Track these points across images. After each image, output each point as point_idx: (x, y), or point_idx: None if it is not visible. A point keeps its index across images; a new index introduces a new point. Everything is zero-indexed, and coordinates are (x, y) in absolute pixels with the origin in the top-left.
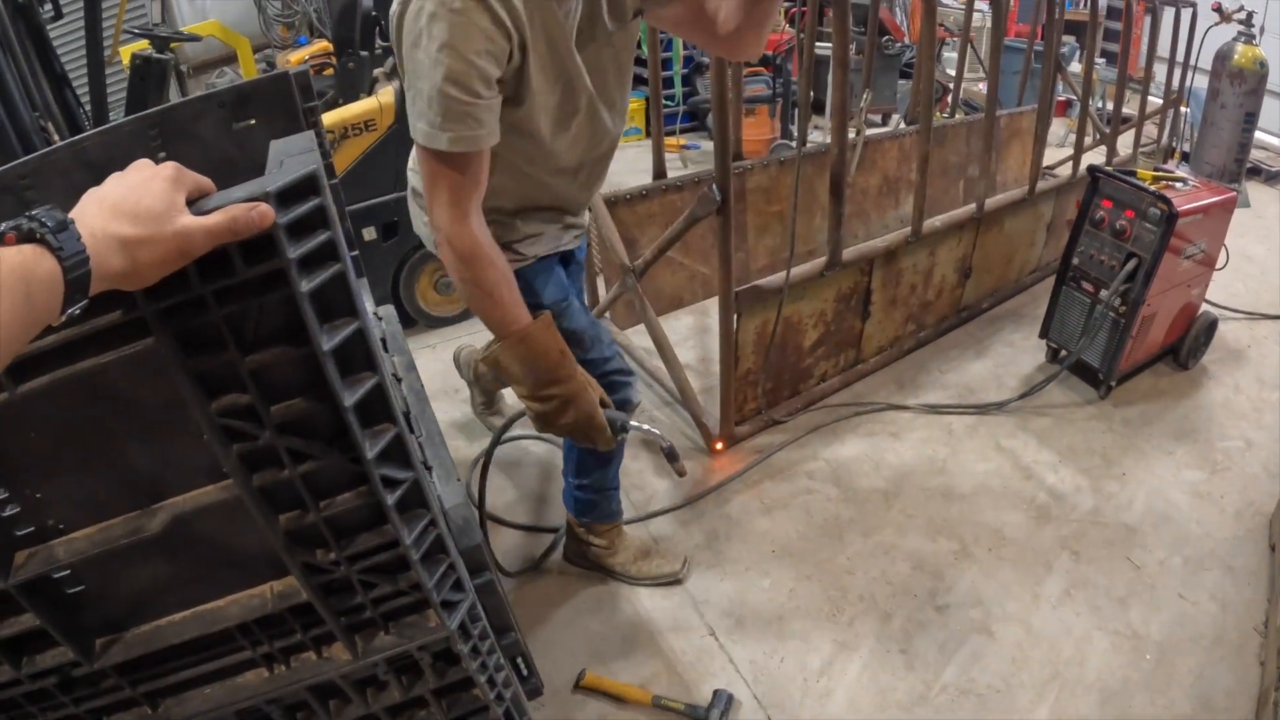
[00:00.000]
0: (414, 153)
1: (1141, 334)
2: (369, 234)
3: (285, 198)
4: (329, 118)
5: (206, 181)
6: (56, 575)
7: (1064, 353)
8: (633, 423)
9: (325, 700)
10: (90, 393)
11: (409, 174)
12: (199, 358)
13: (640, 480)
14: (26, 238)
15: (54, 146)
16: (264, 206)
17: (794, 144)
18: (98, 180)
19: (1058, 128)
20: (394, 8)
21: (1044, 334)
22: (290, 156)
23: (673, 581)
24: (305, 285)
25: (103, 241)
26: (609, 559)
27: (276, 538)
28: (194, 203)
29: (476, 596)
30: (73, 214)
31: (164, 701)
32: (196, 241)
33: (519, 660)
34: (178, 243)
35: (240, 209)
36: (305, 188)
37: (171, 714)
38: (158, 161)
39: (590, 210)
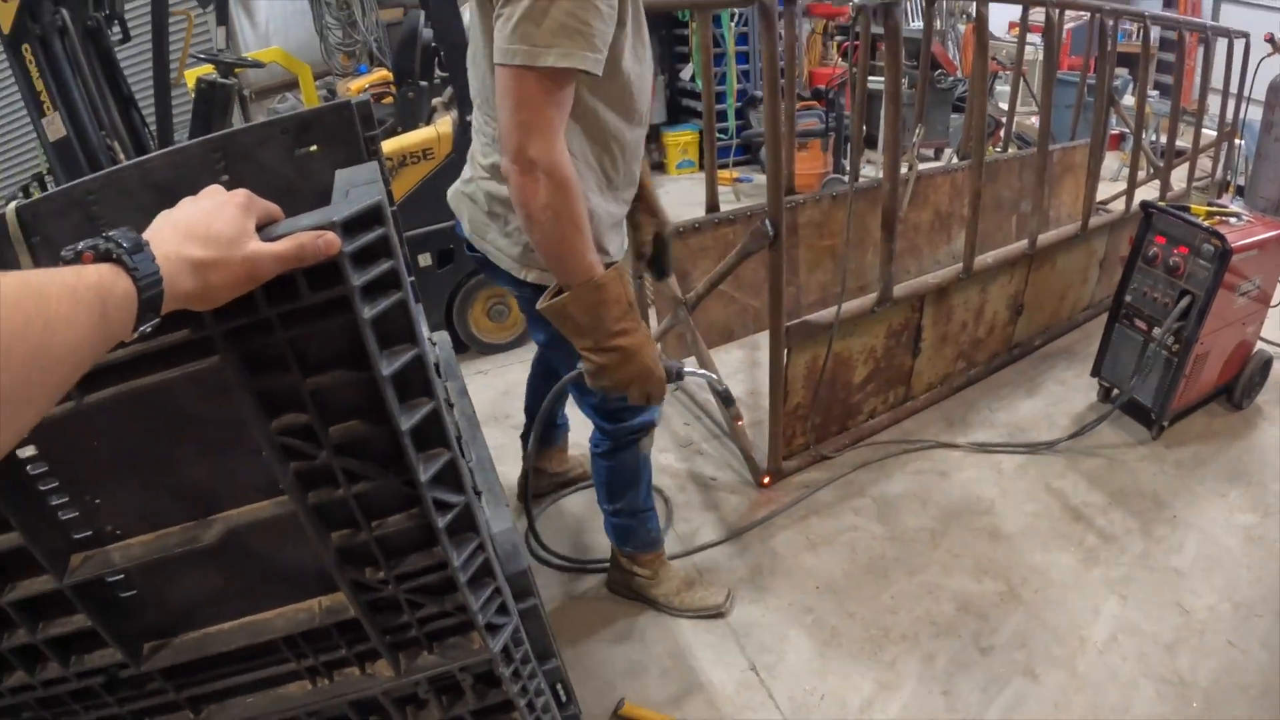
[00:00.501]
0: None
1: (1195, 373)
2: (424, 260)
3: (351, 227)
4: (388, 145)
5: (275, 209)
6: (110, 579)
7: (1116, 392)
8: (688, 369)
9: (365, 715)
10: (154, 407)
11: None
12: (262, 377)
13: (686, 514)
14: (103, 257)
15: (121, 165)
16: (330, 235)
17: (846, 178)
18: (162, 198)
19: (1111, 161)
20: None
21: (1096, 372)
22: (355, 186)
23: (716, 614)
24: (368, 312)
25: (175, 263)
26: (653, 589)
27: (328, 555)
28: (263, 229)
29: (520, 621)
30: (146, 235)
31: (207, 707)
32: (265, 267)
33: (558, 686)
34: (247, 267)
35: (308, 237)
36: (370, 218)
37: (213, 719)
38: (220, 184)
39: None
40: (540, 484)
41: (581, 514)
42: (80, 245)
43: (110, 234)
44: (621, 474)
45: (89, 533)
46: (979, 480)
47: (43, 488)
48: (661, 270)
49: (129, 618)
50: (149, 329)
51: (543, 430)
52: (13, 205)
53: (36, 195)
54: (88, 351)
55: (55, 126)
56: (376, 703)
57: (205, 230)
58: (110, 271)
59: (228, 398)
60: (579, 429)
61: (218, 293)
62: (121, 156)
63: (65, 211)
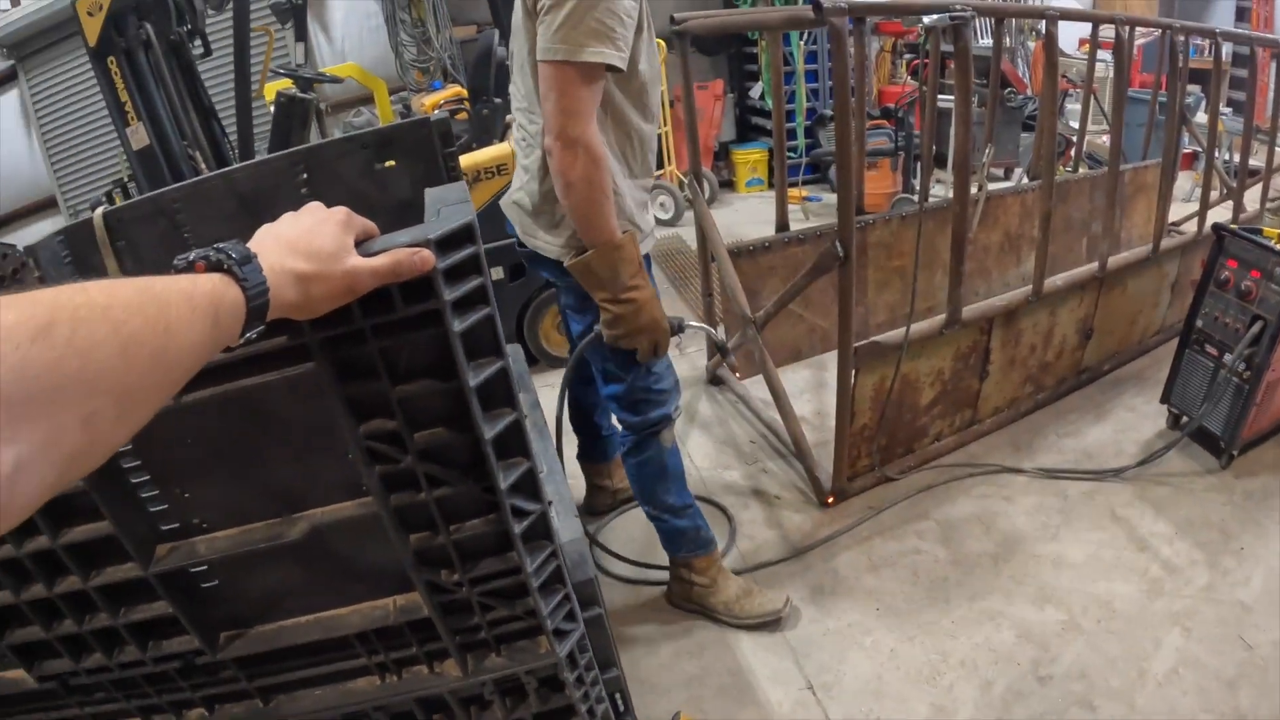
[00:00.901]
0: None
1: (1266, 400)
2: (496, 274)
3: (444, 245)
4: (463, 161)
5: (372, 225)
6: (194, 570)
7: (1185, 419)
8: (689, 322)
9: (430, 713)
10: (248, 408)
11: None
12: (353, 384)
13: (750, 530)
14: (215, 267)
15: (207, 175)
16: (425, 252)
17: (915, 198)
18: (245, 208)
19: (1184, 181)
20: None
21: (1165, 399)
22: (447, 205)
23: (775, 620)
24: (458, 325)
25: (280, 275)
26: (711, 598)
27: (406, 555)
28: (360, 245)
29: (585, 628)
30: (251, 246)
31: (276, 697)
32: (363, 281)
33: (617, 696)
34: (346, 281)
35: (404, 253)
36: (462, 236)
37: (282, 709)
38: (300, 196)
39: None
40: (603, 501)
41: (645, 529)
42: (192, 255)
43: (221, 246)
44: (650, 469)
45: (176, 525)
46: (1044, 506)
47: (134, 480)
48: None
49: (208, 607)
50: (254, 335)
51: (587, 442)
52: (100, 211)
53: (119, 202)
54: (201, 354)
55: (139, 136)
56: (442, 701)
57: (308, 245)
58: (222, 281)
59: (319, 402)
60: None
61: (318, 304)
62: (203, 166)
63: (152, 218)
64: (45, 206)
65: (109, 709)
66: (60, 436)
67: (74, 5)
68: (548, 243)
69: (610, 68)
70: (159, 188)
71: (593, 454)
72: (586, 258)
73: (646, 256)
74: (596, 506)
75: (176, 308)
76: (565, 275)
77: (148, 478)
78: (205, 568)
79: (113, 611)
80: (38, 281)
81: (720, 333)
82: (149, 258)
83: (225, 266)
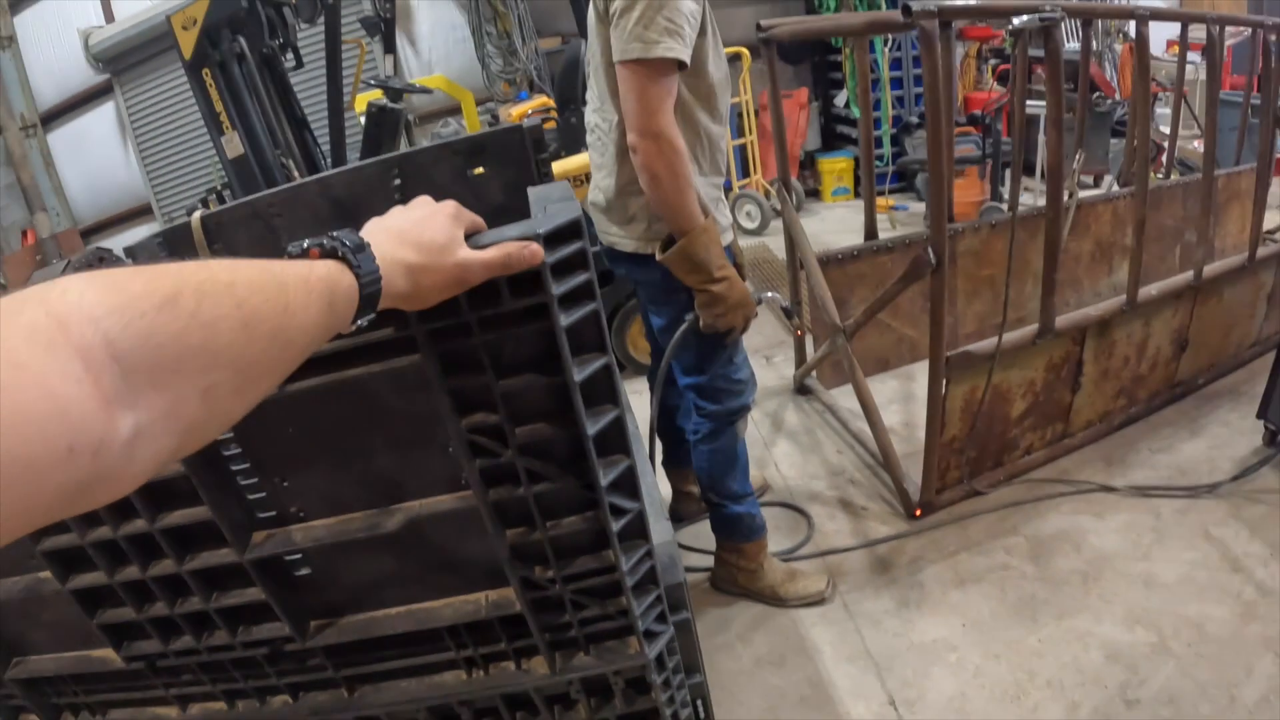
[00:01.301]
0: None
1: None
2: None
3: (552, 240)
4: (555, 168)
5: (480, 220)
6: (289, 557)
7: None
8: (763, 294)
9: (514, 710)
10: (351, 398)
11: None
12: (457, 377)
13: (836, 541)
14: (329, 254)
15: (303, 180)
16: (535, 246)
17: (1003, 206)
18: (340, 211)
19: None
20: None
21: (1262, 414)
22: (552, 203)
23: (819, 601)
24: (564, 320)
25: (392, 265)
26: (758, 582)
27: (502, 550)
28: (469, 238)
29: (674, 632)
30: (363, 236)
31: (361, 688)
32: (474, 272)
33: (699, 702)
34: (457, 272)
35: (514, 246)
36: (569, 232)
37: (366, 699)
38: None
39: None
40: (688, 507)
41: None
42: (306, 242)
43: (336, 234)
44: (722, 457)
45: (273, 512)
46: (1136, 524)
47: (234, 468)
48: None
49: (300, 595)
50: (364, 323)
51: (671, 446)
52: (198, 214)
53: (215, 207)
54: (316, 336)
55: (234, 145)
56: (527, 698)
57: (418, 237)
58: (336, 267)
59: (423, 394)
60: None
61: (428, 294)
62: (295, 174)
63: (248, 221)
64: (141, 213)
65: (194, 691)
66: (180, 407)
67: (169, 20)
68: (621, 237)
69: (680, 65)
70: (252, 194)
71: (678, 458)
72: (681, 245)
73: (727, 249)
74: (681, 513)
75: (294, 289)
76: (644, 269)
77: (247, 465)
78: (300, 556)
79: (205, 596)
80: None
81: (785, 300)
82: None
83: (340, 254)
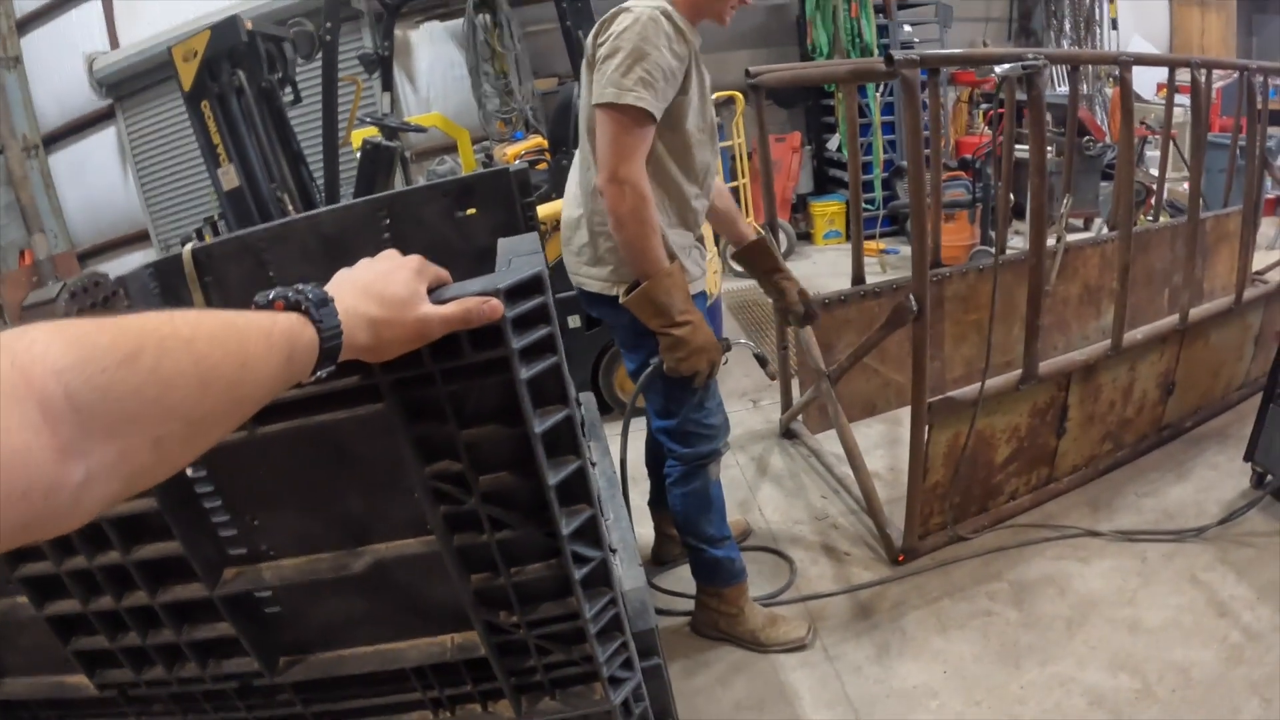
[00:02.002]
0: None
1: None
2: (573, 322)
3: (513, 294)
4: (543, 210)
5: (445, 274)
6: (259, 594)
7: (1270, 477)
8: (737, 340)
9: None
10: (320, 442)
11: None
12: (421, 425)
13: (818, 585)
14: (293, 307)
15: (293, 217)
16: (495, 301)
17: (993, 250)
18: (330, 249)
19: (1267, 228)
20: (603, 17)
21: (1249, 456)
22: (518, 256)
23: (799, 647)
24: (525, 373)
25: (354, 318)
26: (738, 627)
27: (466, 595)
28: (433, 291)
29: (642, 678)
30: (328, 289)
31: None
32: (434, 327)
33: None
34: (417, 327)
35: (474, 302)
36: (531, 287)
37: None
38: (383, 241)
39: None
40: (670, 550)
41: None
42: (272, 294)
43: (300, 288)
44: (695, 500)
45: (244, 550)
46: (1121, 568)
47: (207, 505)
48: (812, 316)
49: (270, 631)
50: (324, 374)
51: (658, 485)
52: (189, 247)
53: (208, 239)
54: (273, 388)
55: (230, 177)
56: None
57: (381, 291)
58: (299, 321)
59: (388, 441)
60: None
61: (389, 348)
62: (290, 208)
63: (239, 256)
64: (137, 239)
65: None
66: (130, 456)
67: (170, 51)
68: (589, 277)
69: (651, 116)
70: (247, 226)
71: (663, 500)
72: (643, 289)
73: (701, 296)
74: (663, 556)
75: (255, 343)
76: (615, 312)
77: (220, 503)
78: (270, 593)
79: (176, 628)
80: (126, 311)
81: (757, 347)
82: (235, 294)
83: (303, 307)
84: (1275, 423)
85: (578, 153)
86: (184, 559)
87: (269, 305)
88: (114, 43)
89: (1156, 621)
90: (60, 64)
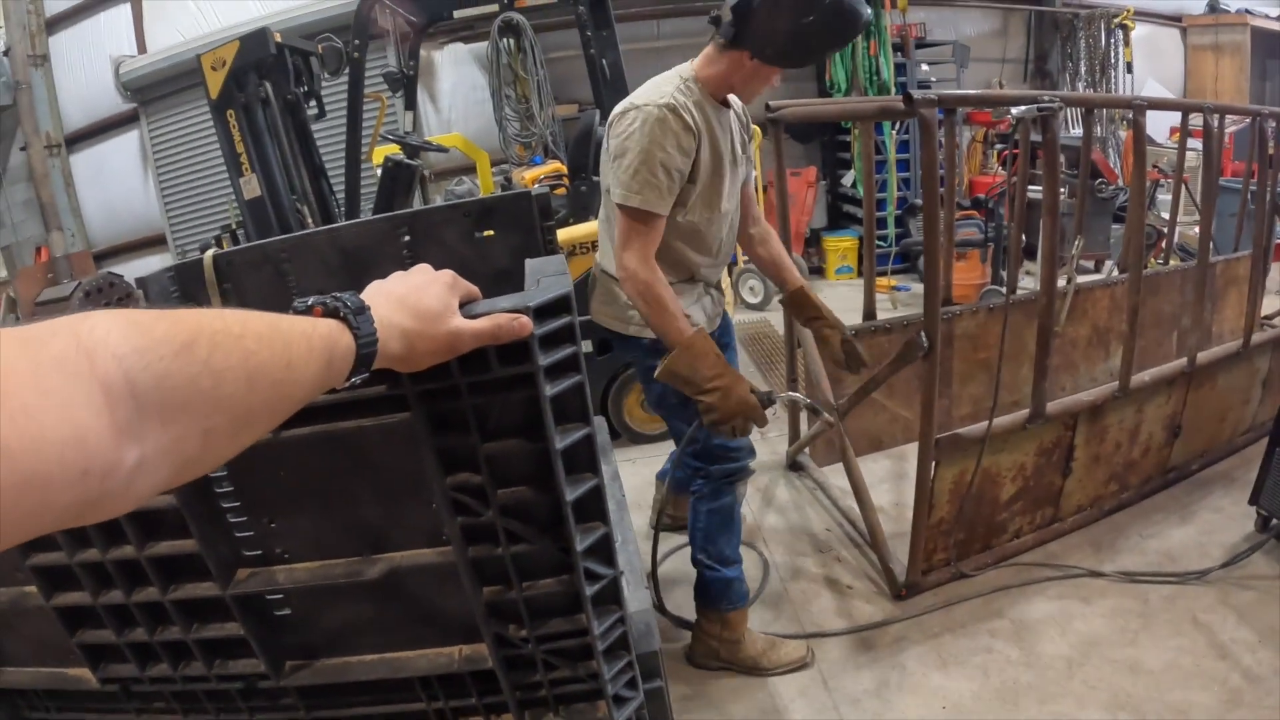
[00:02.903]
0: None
1: None
2: (585, 347)
3: (542, 313)
4: (560, 235)
5: (475, 289)
6: (270, 596)
7: (1274, 521)
8: (777, 394)
9: None
10: (343, 449)
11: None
12: (445, 436)
13: (819, 619)
14: (331, 313)
15: (314, 230)
16: (524, 318)
17: (1004, 289)
18: (348, 262)
19: (1277, 273)
20: (616, 109)
21: (1254, 500)
22: (546, 276)
23: (802, 667)
24: (549, 390)
25: (388, 328)
26: (740, 653)
27: (478, 607)
28: (463, 306)
29: (645, 699)
30: (363, 297)
31: None
32: (465, 341)
33: None
34: (449, 340)
35: (505, 318)
36: (559, 306)
37: None
38: (402, 257)
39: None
40: (664, 523)
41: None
42: (311, 300)
43: (338, 295)
44: (720, 517)
45: (259, 552)
46: (1123, 609)
47: (225, 505)
48: (858, 364)
49: (279, 634)
50: (358, 381)
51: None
52: (210, 253)
53: (227, 247)
54: (311, 390)
55: (251, 187)
56: None
57: (416, 303)
58: (337, 327)
59: (411, 450)
60: None
61: (420, 359)
62: (309, 220)
63: (259, 265)
64: (154, 243)
65: (166, 719)
66: (181, 444)
67: (199, 59)
68: (606, 316)
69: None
70: (266, 237)
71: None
72: (668, 363)
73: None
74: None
75: (297, 346)
76: (624, 346)
77: (238, 504)
78: (281, 596)
79: (186, 626)
80: None
81: (806, 398)
82: (253, 303)
83: (341, 314)
84: None
85: (602, 208)
86: (198, 557)
87: (308, 310)
88: (141, 47)
89: (1157, 663)
90: (87, 65)
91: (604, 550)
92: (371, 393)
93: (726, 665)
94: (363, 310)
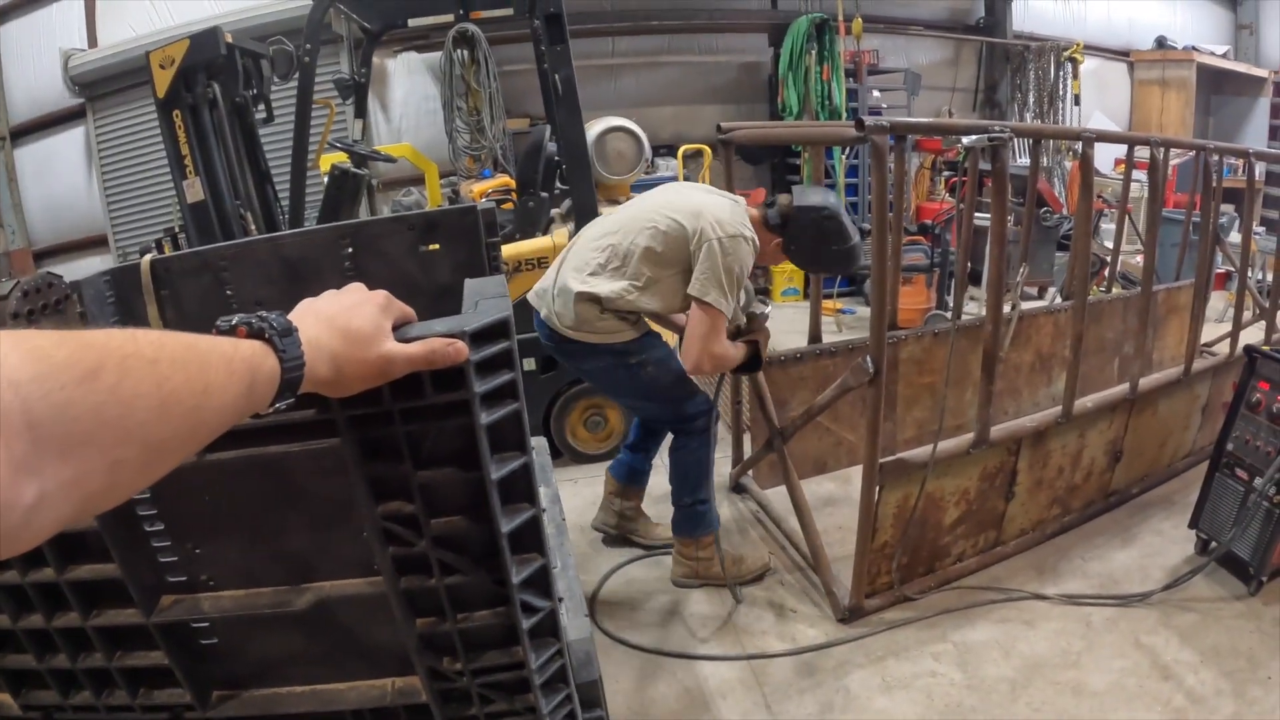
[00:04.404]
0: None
1: None
2: (529, 364)
3: (479, 337)
4: (506, 251)
5: (410, 311)
6: (195, 624)
7: (1214, 544)
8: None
9: None
10: (270, 474)
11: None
12: (376, 464)
13: (761, 643)
14: (256, 334)
15: (256, 238)
16: (460, 344)
17: (949, 314)
18: (290, 273)
19: (1218, 302)
20: (715, 231)
21: (1194, 524)
22: (485, 299)
23: (766, 572)
24: (485, 418)
25: (316, 351)
26: (714, 568)
27: (411, 639)
28: (397, 329)
29: None
30: (292, 318)
31: None
32: (397, 366)
33: None
34: (380, 365)
35: (439, 343)
36: (497, 331)
37: None
38: (345, 269)
39: None
40: (605, 520)
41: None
42: (235, 319)
43: (264, 315)
44: (695, 463)
45: (184, 578)
46: (1066, 632)
47: (148, 529)
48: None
49: (205, 663)
50: (283, 406)
51: (631, 460)
52: (148, 258)
53: (168, 250)
54: (232, 417)
55: (195, 190)
56: None
57: (346, 324)
58: (261, 349)
59: (340, 477)
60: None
61: (350, 383)
62: (252, 227)
63: (198, 272)
64: (96, 243)
65: None
66: (85, 478)
67: (148, 56)
68: (571, 330)
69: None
70: (208, 241)
71: (623, 473)
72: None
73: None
74: (598, 524)
75: (216, 370)
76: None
77: (161, 528)
78: (207, 624)
79: (108, 653)
80: (79, 318)
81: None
82: (191, 310)
83: (266, 335)
84: (1220, 491)
85: (606, 239)
86: (120, 582)
87: (231, 331)
88: (92, 41)
89: (1101, 684)
90: (36, 57)
91: (541, 582)
92: (299, 417)
93: (705, 581)
94: (289, 332)
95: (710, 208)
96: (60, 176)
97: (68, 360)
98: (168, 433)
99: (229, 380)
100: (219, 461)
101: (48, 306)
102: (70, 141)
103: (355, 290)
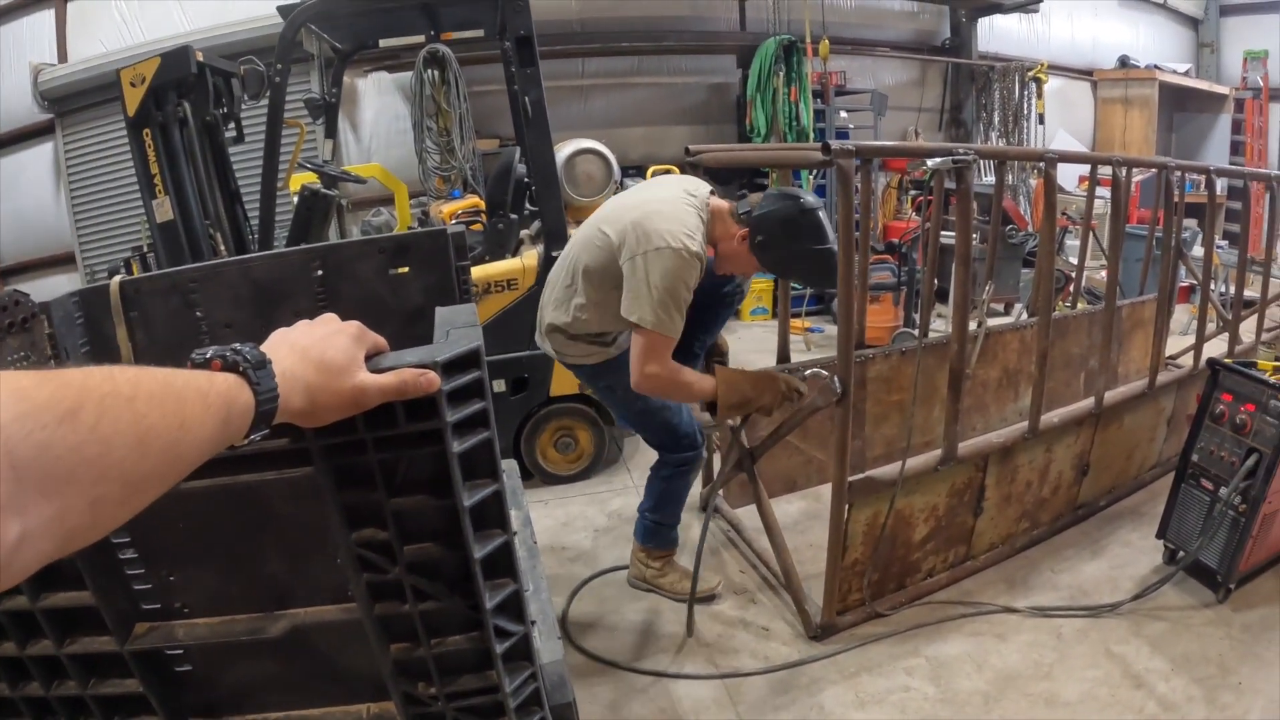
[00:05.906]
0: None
1: (1263, 533)
2: (499, 386)
3: (450, 367)
4: (475, 273)
5: (383, 342)
6: (170, 652)
7: (1181, 553)
8: (806, 372)
9: None
10: (245, 502)
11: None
12: (350, 492)
13: (735, 661)
14: (230, 368)
15: (225, 260)
16: (432, 374)
17: (916, 332)
18: (260, 295)
19: (1181, 315)
20: (641, 245)
21: (1162, 534)
22: (455, 328)
23: (712, 596)
24: (457, 446)
25: (290, 382)
26: (660, 579)
27: (385, 665)
28: (370, 359)
29: None
30: (265, 350)
31: None
32: (370, 396)
33: None
34: (353, 395)
35: (411, 374)
36: (468, 361)
37: None
38: (315, 292)
39: None
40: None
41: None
42: (209, 353)
43: (238, 348)
44: (670, 492)
45: (158, 605)
46: (1038, 644)
47: (122, 556)
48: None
49: (179, 691)
50: (259, 437)
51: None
52: (117, 279)
53: (137, 270)
54: (208, 450)
55: (164, 209)
56: None
57: (320, 356)
58: (236, 383)
59: (314, 505)
60: None
61: (324, 414)
62: (222, 247)
63: (166, 294)
64: (63, 261)
65: None
66: (66, 515)
67: (118, 73)
68: (562, 354)
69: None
70: (177, 261)
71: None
72: (723, 404)
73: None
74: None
75: (192, 405)
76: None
77: (135, 555)
78: (181, 651)
79: (82, 681)
80: (48, 339)
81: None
82: (160, 333)
83: (240, 369)
84: (1187, 502)
85: (565, 257)
86: (95, 610)
87: (206, 364)
88: (63, 56)
89: (1073, 694)
90: (5, 71)
91: (514, 606)
92: (274, 446)
93: (651, 588)
94: (263, 364)
95: (649, 216)
96: (27, 193)
97: (49, 400)
98: (146, 468)
99: (205, 415)
100: (193, 490)
101: (14, 325)
102: (38, 157)
103: (329, 321)
